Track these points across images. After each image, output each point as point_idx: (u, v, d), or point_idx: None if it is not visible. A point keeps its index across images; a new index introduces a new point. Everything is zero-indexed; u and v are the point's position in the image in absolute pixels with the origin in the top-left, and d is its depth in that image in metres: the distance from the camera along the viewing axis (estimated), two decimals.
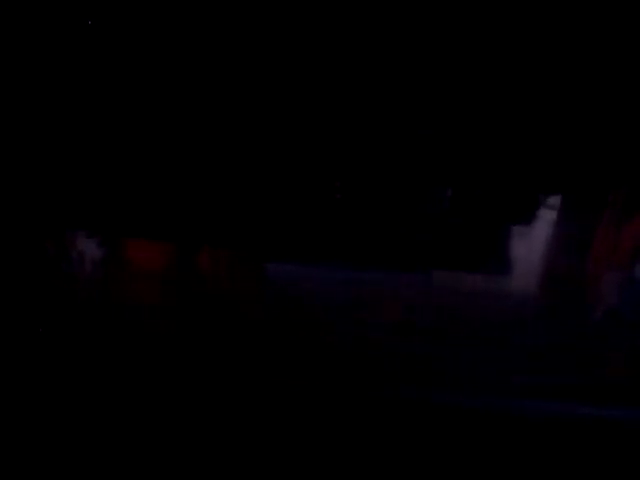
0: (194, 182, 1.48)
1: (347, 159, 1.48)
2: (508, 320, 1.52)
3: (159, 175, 1.48)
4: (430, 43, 1.41)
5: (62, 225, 1.49)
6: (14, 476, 1.37)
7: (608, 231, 1.48)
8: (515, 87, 1.41)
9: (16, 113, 1.46)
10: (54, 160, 1.47)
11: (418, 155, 1.47)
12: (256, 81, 1.45)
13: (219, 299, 1.53)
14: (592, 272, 1.51)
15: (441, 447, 1.45)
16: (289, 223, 1.49)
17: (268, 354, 1.50)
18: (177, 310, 1.52)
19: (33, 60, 1.42)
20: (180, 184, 1.48)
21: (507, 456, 1.44)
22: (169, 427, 1.44)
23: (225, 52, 1.43)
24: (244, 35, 1.40)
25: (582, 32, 1.37)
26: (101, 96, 1.45)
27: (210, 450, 1.43)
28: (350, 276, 1.53)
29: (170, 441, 1.43)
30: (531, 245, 1.51)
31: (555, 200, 1.50)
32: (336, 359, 1.50)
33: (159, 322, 1.52)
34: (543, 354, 1.50)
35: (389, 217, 1.49)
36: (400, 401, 1.46)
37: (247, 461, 1.43)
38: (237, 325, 1.51)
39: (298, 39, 1.41)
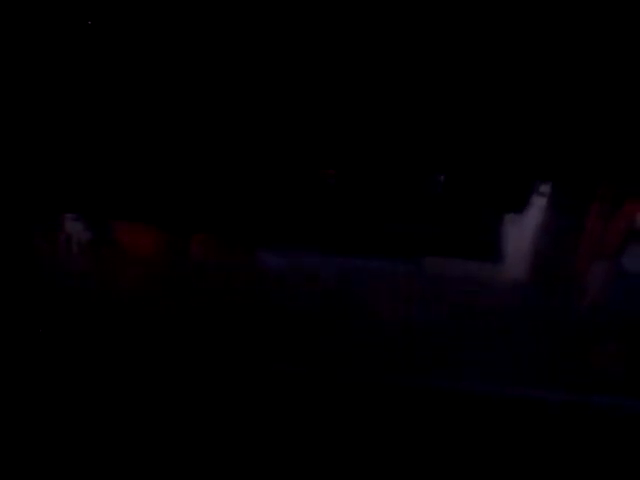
0: (187, 169, 1.48)
1: (340, 145, 1.48)
2: (496, 309, 1.52)
3: (153, 160, 1.48)
4: (422, 35, 1.42)
5: (52, 209, 1.48)
6: (14, 476, 1.37)
7: (597, 222, 1.48)
8: (509, 77, 1.42)
9: (8, 104, 1.46)
10: (45, 146, 1.47)
11: (411, 141, 1.47)
12: (249, 70, 1.46)
13: (213, 288, 1.52)
14: (581, 263, 1.51)
15: (440, 435, 1.45)
16: (281, 210, 1.49)
17: (262, 345, 1.49)
18: (171, 300, 1.51)
19: (28, 55, 1.43)
20: (173, 170, 1.48)
21: (499, 443, 1.45)
22: (164, 420, 1.43)
23: (218, 42, 1.43)
24: (238, 27, 1.41)
25: (575, 28, 1.38)
26: (92, 84, 1.45)
27: (205, 445, 1.43)
28: (341, 263, 1.53)
29: (165, 435, 1.43)
30: (522, 233, 1.51)
31: (547, 188, 1.51)
32: (329, 348, 1.50)
33: (151, 312, 1.51)
34: (531, 343, 1.50)
35: (381, 203, 1.49)
36: (397, 389, 1.46)
37: (243, 455, 1.43)
38: (230, 315, 1.50)
39: (291, 31, 1.41)
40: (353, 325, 1.51)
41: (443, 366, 1.49)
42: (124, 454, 1.40)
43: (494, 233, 1.52)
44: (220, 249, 1.53)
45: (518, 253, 1.51)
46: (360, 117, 1.46)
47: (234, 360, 1.48)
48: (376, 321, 1.51)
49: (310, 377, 1.47)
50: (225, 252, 1.53)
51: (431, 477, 1.36)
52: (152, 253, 1.50)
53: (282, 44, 1.43)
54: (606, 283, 1.50)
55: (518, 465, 1.43)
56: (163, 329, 1.49)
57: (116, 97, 1.47)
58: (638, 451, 1.36)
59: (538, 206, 1.52)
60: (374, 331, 1.51)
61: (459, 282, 1.52)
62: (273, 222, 1.50)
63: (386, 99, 1.45)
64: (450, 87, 1.44)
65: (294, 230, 1.50)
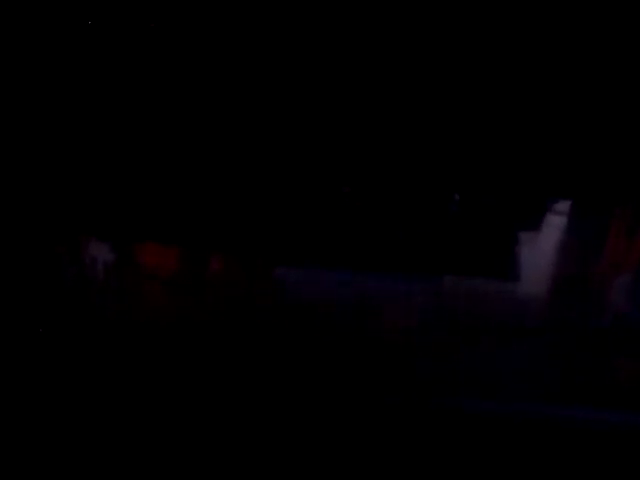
0: (204, 186, 1.48)
1: (355, 163, 1.46)
2: (516, 324, 1.50)
3: (168, 178, 1.48)
4: (439, 47, 1.39)
5: (72, 227, 1.49)
6: (14, 476, 1.39)
7: (619, 236, 1.45)
8: (527, 93, 1.39)
9: (25, 116, 1.46)
10: (64, 163, 1.47)
11: (426, 159, 1.45)
12: (263, 87, 1.44)
13: (228, 302, 1.52)
14: (601, 277, 1.48)
15: (445, 452, 1.44)
16: (298, 227, 1.48)
17: (276, 358, 1.50)
18: (185, 313, 1.52)
19: (40, 66, 1.42)
20: (190, 187, 1.48)
21: (510, 462, 1.43)
22: (173, 432, 1.44)
23: (230, 64, 1.41)
24: (253, 56, 1.39)
25: (592, 38, 1.33)
26: (109, 99, 1.45)
27: (213, 453, 1.44)
28: (357, 280, 1.52)
29: (173, 447, 1.43)
30: (541, 250, 1.49)
31: (564, 206, 1.47)
32: (344, 364, 1.50)
33: (167, 325, 1.52)
34: (551, 358, 1.48)
35: (397, 221, 1.48)
36: (407, 406, 1.46)
37: (248, 464, 1.44)
38: (245, 327, 1.51)
39: (308, 50, 1.39)
40: (367, 340, 1.50)
41: (460, 384, 1.47)
42: None
43: (511, 250, 1.49)
44: (240, 266, 1.52)
45: (536, 269, 1.48)
46: (376, 134, 1.43)
47: (249, 374, 1.48)
48: (389, 336, 1.50)
49: (324, 394, 1.47)
50: (244, 269, 1.52)
51: None
52: (170, 270, 1.50)
53: (300, 67, 1.40)
54: (628, 296, 1.47)
55: None
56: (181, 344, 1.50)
57: (131, 118, 1.46)
58: None
59: (556, 223, 1.48)
60: (389, 346, 1.50)
61: (476, 298, 1.49)
62: (290, 239, 1.49)
63: (402, 118, 1.42)
64: (467, 107, 1.40)
65: (311, 247, 1.49)
